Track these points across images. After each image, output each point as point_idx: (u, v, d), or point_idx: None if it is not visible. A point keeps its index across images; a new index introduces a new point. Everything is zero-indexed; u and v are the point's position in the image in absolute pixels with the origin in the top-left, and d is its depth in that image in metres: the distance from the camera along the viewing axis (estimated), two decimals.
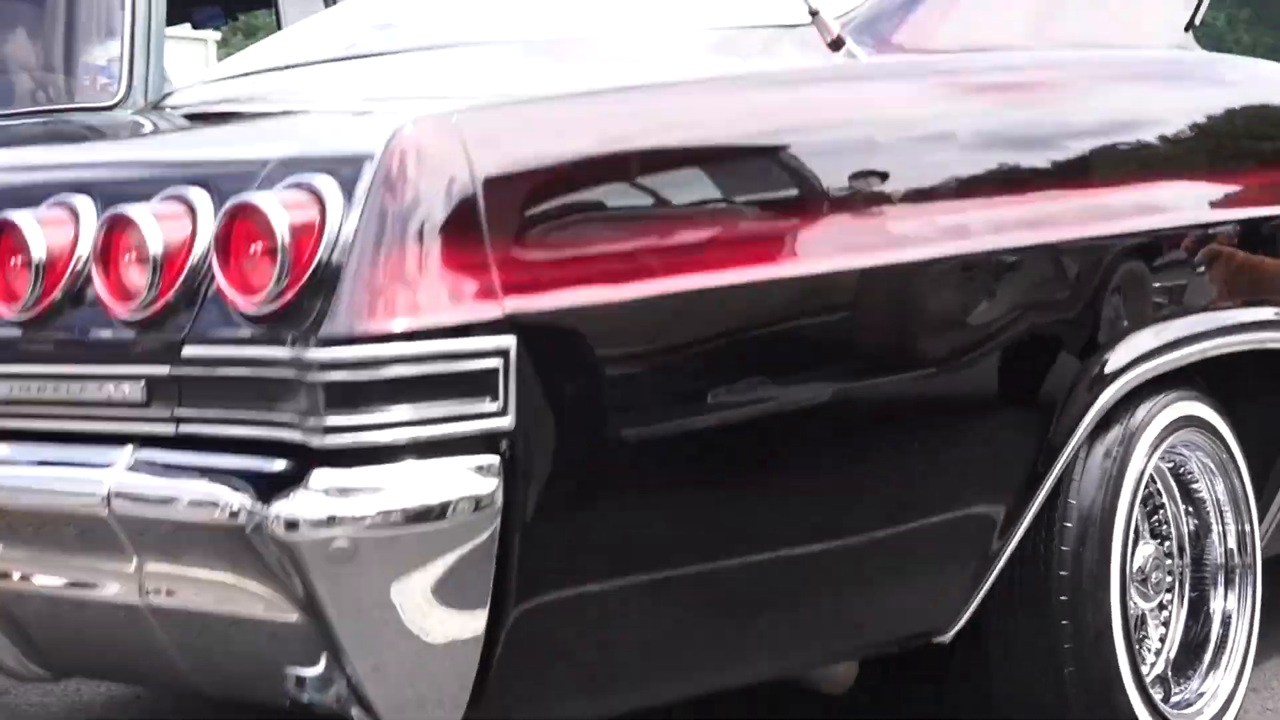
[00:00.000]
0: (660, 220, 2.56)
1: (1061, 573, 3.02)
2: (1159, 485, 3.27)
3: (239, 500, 2.30)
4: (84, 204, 2.57)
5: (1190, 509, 3.34)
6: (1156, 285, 3.16)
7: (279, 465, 2.30)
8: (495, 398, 2.31)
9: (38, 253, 2.53)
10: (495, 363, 2.31)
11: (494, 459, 2.31)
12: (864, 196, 2.77)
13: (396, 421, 2.27)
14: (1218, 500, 3.34)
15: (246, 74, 3.59)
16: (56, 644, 2.73)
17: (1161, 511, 3.29)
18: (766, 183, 2.68)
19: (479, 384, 2.30)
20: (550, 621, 2.45)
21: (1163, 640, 3.28)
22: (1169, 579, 3.29)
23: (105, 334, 2.50)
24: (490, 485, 2.30)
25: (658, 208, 2.57)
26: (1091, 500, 3.05)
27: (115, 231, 2.47)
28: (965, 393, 2.91)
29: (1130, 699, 3.10)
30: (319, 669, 2.38)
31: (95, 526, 2.46)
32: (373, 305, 2.27)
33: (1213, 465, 3.32)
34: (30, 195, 2.64)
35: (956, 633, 2.97)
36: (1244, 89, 3.61)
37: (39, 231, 2.54)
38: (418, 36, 3.49)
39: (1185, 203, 3.27)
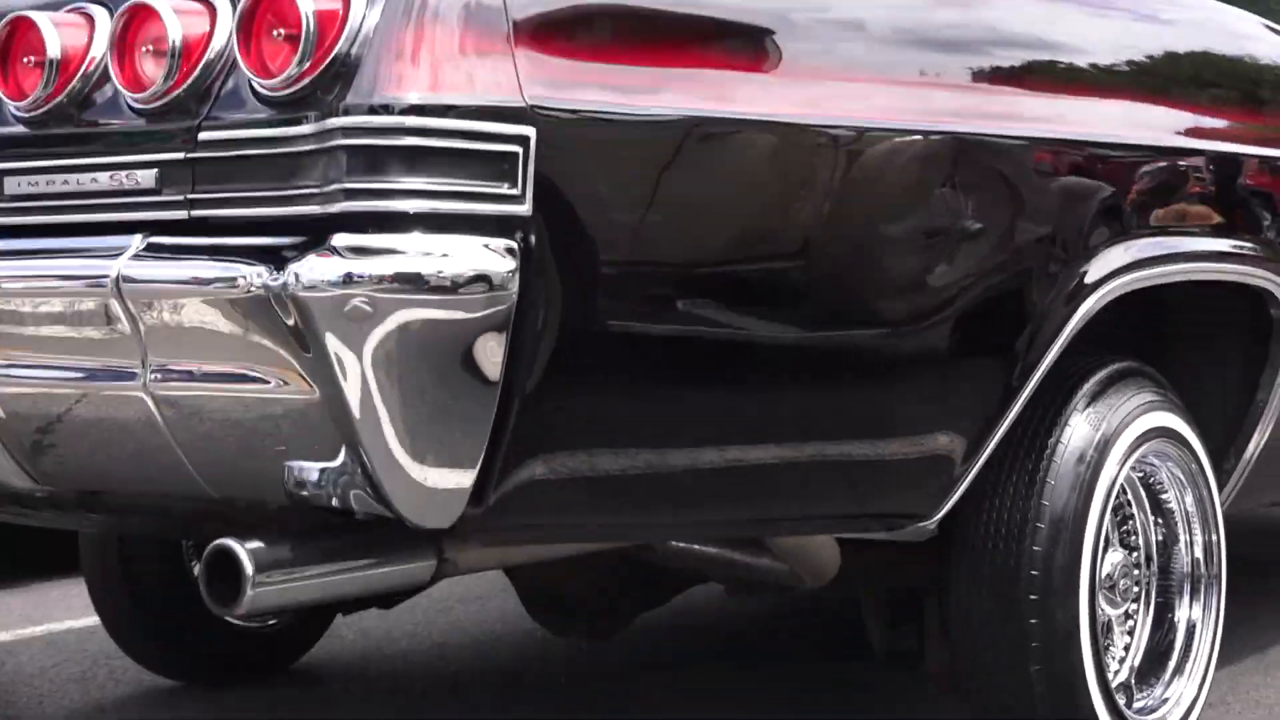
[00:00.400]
0: (675, 45, 2.63)
1: (1033, 573, 3.09)
2: (1129, 495, 3.34)
3: (255, 272, 2.37)
4: (98, 11, 2.65)
5: (1159, 520, 3.42)
6: (1129, 202, 3.25)
7: (297, 239, 2.37)
8: (514, 184, 2.39)
9: (52, 49, 2.61)
10: (514, 148, 2.39)
11: (511, 243, 2.39)
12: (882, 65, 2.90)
13: (415, 190, 2.35)
14: (1186, 512, 3.43)
15: None
16: (58, 453, 2.74)
17: (1131, 521, 3.37)
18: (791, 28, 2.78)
19: (498, 166, 2.38)
20: (555, 423, 2.51)
21: (1128, 648, 3.36)
22: (1136, 588, 3.36)
23: (117, 124, 2.59)
24: (506, 266, 2.37)
25: (672, 33, 2.65)
26: (1064, 504, 3.12)
27: (134, 22, 2.56)
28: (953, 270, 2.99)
29: (1094, 702, 3.17)
30: (325, 460, 2.43)
31: (103, 315, 2.52)
32: (396, 78, 2.36)
33: (1182, 477, 3.41)
34: (44, 5, 2.71)
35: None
36: (1216, 31, 3.73)
37: (53, 28, 2.62)
38: None
39: (1155, 126, 3.38)
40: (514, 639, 4.33)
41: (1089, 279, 3.12)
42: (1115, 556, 3.29)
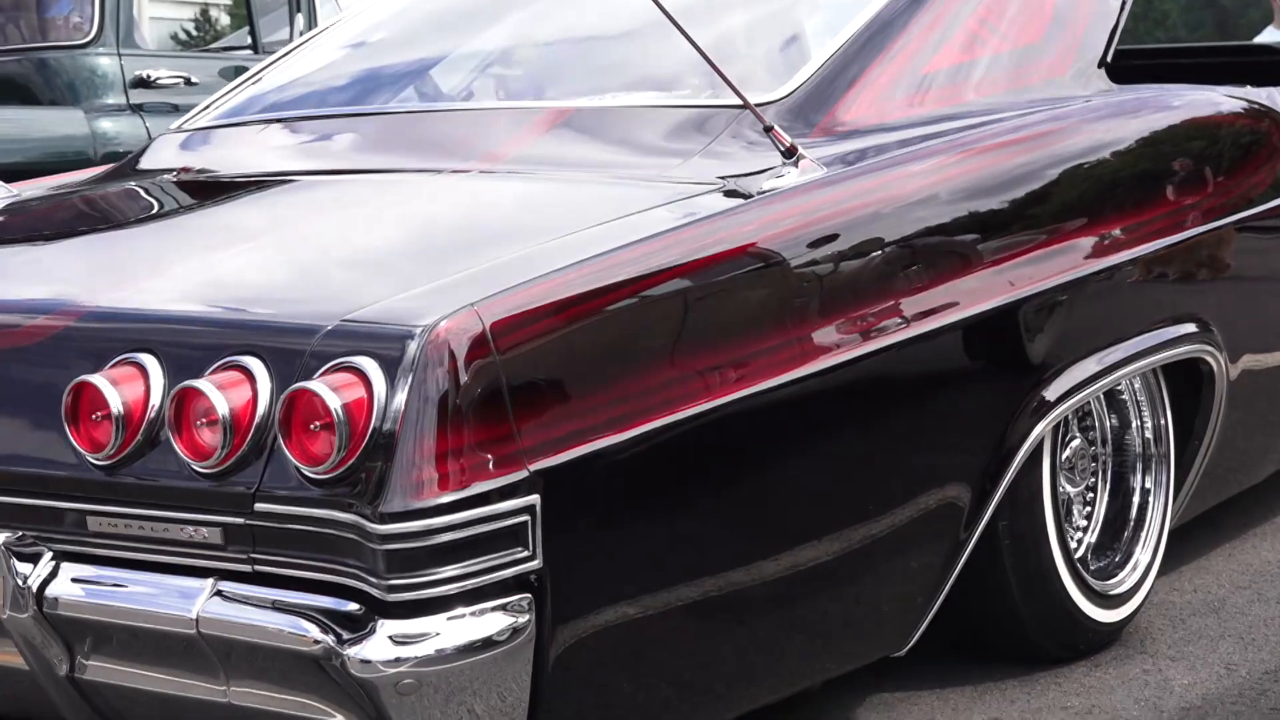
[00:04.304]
0: (644, 365, 2.89)
1: None
2: None
3: (317, 634, 2.68)
4: (148, 359, 2.87)
5: (1112, 409, 3.77)
6: (1091, 320, 3.54)
7: (351, 606, 2.67)
8: (526, 547, 2.70)
9: (115, 408, 2.83)
10: (524, 518, 2.68)
11: (527, 595, 2.70)
12: (820, 298, 3.12)
13: (446, 578, 2.65)
14: (1137, 400, 3.78)
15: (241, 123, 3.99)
16: None
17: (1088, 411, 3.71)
18: (727, 317, 3.01)
19: (512, 537, 2.68)
20: (575, 711, 2.84)
21: (1088, 518, 3.72)
22: (1094, 464, 3.72)
23: (182, 484, 2.81)
24: (525, 617, 2.71)
25: (644, 353, 2.89)
26: None
27: (186, 401, 2.78)
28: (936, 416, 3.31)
29: (1060, 570, 3.52)
30: None
31: (185, 643, 2.80)
32: (420, 484, 2.64)
33: None
34: (95, 351, 2.92)
35: None
36: (1159, 116, 3.94)
37: (114, 390, 2.84)
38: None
39: (1109, 242, 3.59)
40: None
41: (1050, 397, 3.41)
42: (1074, 443, 3.64)
